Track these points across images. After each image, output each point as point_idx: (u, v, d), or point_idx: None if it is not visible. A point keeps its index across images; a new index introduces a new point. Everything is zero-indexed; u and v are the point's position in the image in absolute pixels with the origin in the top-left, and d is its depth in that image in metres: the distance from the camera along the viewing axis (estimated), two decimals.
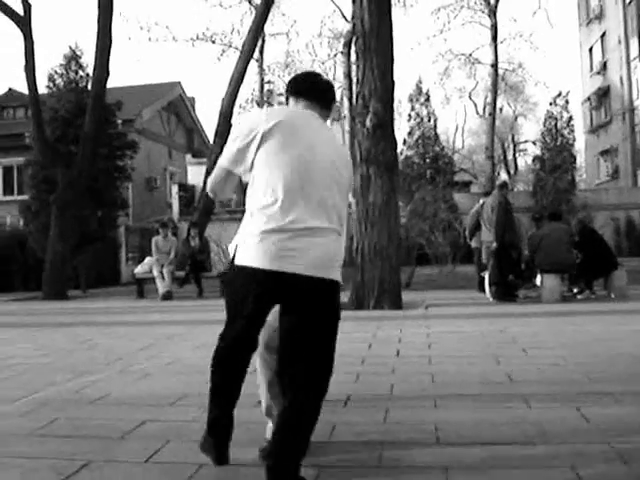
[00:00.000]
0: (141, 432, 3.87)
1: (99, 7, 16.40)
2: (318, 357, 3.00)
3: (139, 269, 15.09)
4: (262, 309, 3.09)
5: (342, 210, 3.14)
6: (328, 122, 3.49)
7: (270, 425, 3.51)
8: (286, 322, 3.05)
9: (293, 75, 3.58)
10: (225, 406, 3.37)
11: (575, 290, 12.17)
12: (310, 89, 3.32)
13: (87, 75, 21.14)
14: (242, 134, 3.09)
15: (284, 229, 2.93)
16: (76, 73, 21.94)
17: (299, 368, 2.98)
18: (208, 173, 18.76)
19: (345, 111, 26.98)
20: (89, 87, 18.97)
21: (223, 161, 3.18)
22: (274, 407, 3.43)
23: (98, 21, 16.41)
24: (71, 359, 6.68)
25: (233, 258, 3.13)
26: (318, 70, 33.81)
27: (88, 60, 21.42)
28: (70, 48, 22.16)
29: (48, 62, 51.75)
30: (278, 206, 2.95)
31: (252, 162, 3.07)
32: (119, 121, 22.76)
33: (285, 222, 2.93)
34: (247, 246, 3.02)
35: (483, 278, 12.23)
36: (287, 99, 3.37)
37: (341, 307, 3.15)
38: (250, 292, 3.01)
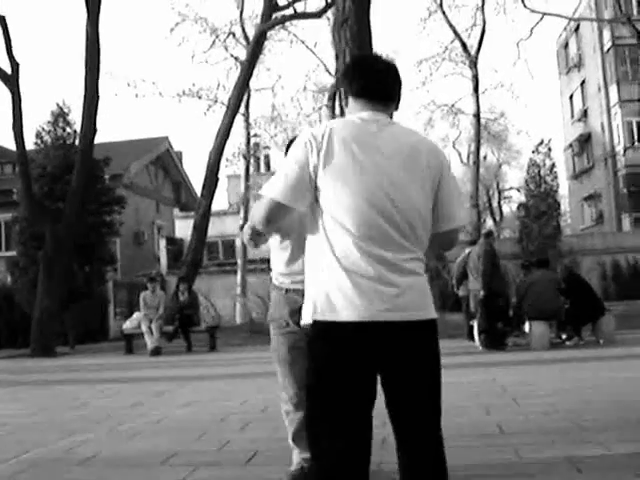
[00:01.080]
0: None
1: (86, 65, 16.62)
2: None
3: (127, 325, 15.03)
4: None
5: None
6: None
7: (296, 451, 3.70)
8: None
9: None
10: None
11: (563, 337, 12.20)
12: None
13: (74, 132, 21.31)
14: None
15: None
16: (63, 130, 22.10)
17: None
18: (196, 226, 18.85)
19: None
20: (77, 143, 19.11)
21: None
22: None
23: (85, 79, 16.63)
24: (60, 418, 6.62)
25: None
26: (303, 123, 34.19)
27: (75, 117, 21.64)
28: (57, 105, 22.35)
29: (36, 119, 52.13)
30: None
31: None
32: (107, 176, 22.86)
33: None
34: None
35: (472, 326, 12.26)
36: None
37: None
38: None
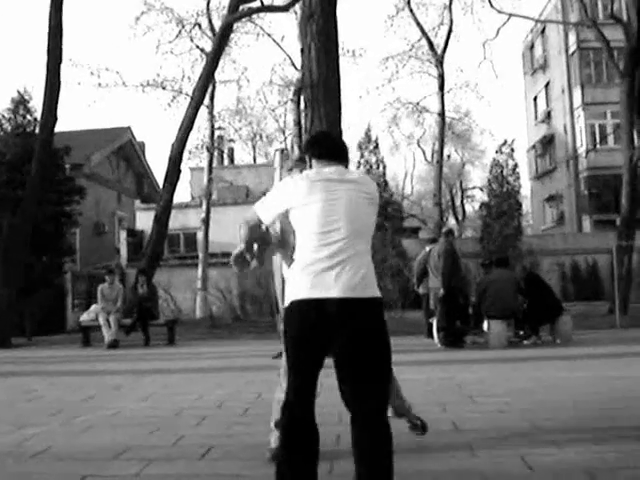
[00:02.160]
0: None
1: (48, 52, 16.36)
2: None
3: (85, 317, 14.84)
4: None
5: None
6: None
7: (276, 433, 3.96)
8: None
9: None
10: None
11: (521, 335, 12.32)
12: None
13: (35, 119, 20.93)
14: None
15: None
16: (24, 117, 21.71)
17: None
18: (157, 218, 18.69)
19: (295, 158, 27.20)
20: (37, 132, 18.81)
21: None
22: None
23: (47, 65, 16.35)
24: (13, 410, 6.52)
25: None
26: (269, 117, 34.04)
27: (36, 104, 21.28)
28: (18, 92, 21.96)
29: None
30: None
31: None
32: (67, 166, 22.54)
33: None
34: None
35: (431, 324, 12.33)
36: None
37: None
38: None
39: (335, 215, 3.26)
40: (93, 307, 14.84)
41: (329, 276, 3.14)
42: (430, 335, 12.41)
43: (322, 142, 3.68)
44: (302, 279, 3.19)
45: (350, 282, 3.14)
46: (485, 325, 11.87)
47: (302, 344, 3.19)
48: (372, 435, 3.10)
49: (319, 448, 3.16)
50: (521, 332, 12.33)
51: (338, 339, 3.13)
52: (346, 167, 3.54)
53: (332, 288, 3.12)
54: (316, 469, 3.14)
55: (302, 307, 3.15)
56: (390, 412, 4.32)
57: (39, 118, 17.58)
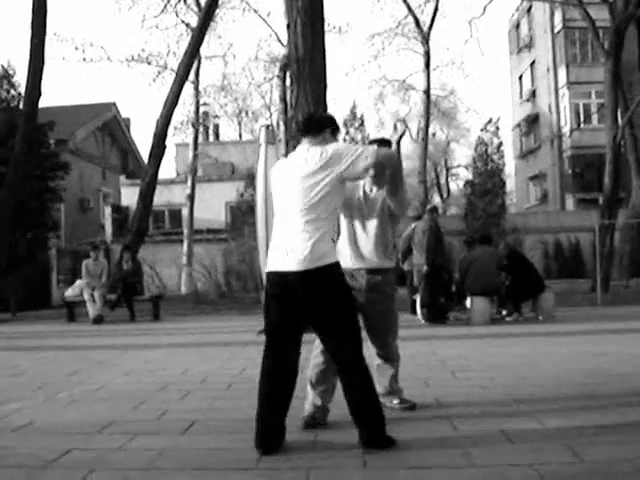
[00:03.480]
0: (66, 461, 3.79)
1: (32, 26, 16.18)
2: None
3: (69, 292, 14.81)
4: None
5: None
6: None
7: (310, 398, 4.45)
8: None
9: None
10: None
11: (504, 312, 12.41)
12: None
13: (19, 94, 20.73)
14: None
15: None
16: (7, 92, 21.49)
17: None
18: (142, 194, 18.61)
19: (281, 135, 27.18)
20: (21, 106, 18.64)
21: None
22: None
23: (31, 40, 16.19)
24: None
25: None
26: (254, 94, 33.84)
27: (20, 79, 21.07)
28: (2, 67, 21.72)
29: None
30: None
31: None
32: (52, 141, 22.38)
33: None
34: None
35: (415, 301, 12.39)
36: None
37: None
38: None
39: (286, 193, 4.00)
40: (78, 283, 14.80)
41: (283, 251, 3.86)
42: (414, 311, 12.48)
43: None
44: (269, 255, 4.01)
45: (300, 255, 3.78)
46: (468, 302, 11.95)
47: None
48: (351, 376, 3.88)
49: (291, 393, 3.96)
50: (504, 311, 12.42)
51: (305, 307, 3.87)
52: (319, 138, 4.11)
53: (287, 262, 3.83)
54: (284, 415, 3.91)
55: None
56: (381, 389, 4.74)
57: (23, 93, 17.42)
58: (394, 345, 4.90)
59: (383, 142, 4.63)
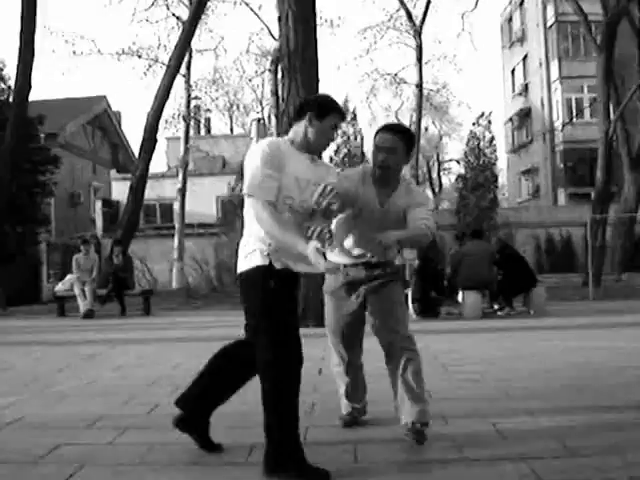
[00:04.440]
0: (56, 456, 3.76)
1: (22, 19, 16.09)
2: None
3: (60, 287, 14.75)
4: None
5: None
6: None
7: (344, 402, 4.31)
8: None
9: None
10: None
11: (495, 307, 12.43)
12: None
13: (9, 88, 20.65)
14: None
15: None
16: None
17: None
18: (133, 188, 18.54)
19: (272, 128, 27.15)
20: (10, 100, 18.56)
21: None
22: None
23: (21, 33, 16.10)
24: None
25: None
26: (246, 87, 33.78)
27: (10, 72, 20.97)
28: None
29: None
30: None
31: None
32: (42, 135, 22.30)
33: None
34: None
35: (407, 295, 12.39)
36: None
37: None
38: None
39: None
40: (68, 277, 14.75)
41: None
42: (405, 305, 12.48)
43: None
44: None
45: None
46: (460, 296, 11.96)
47: None
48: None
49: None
50: (496, 306, 12.43)
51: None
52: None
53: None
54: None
55: None
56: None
57: (13, 86, 17.34)
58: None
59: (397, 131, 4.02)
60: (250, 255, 3.52)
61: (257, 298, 3.50)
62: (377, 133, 3.98)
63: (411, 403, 3.84)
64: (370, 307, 4.16)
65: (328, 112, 3.64)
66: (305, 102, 3.79)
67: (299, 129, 3.63)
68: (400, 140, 3.90)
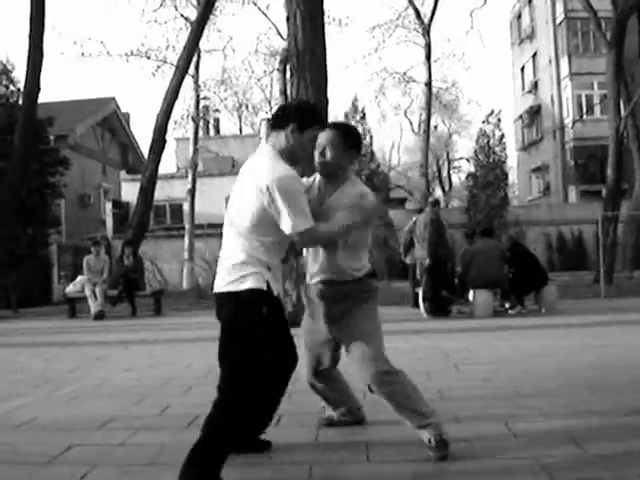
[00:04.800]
0: (68, 457, 3.78)
1: (31, 21, 16.14)
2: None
3: (70, 288, 14.79)
4: None
5: None
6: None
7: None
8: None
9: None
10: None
11: (507, 305, 12.39)
12: None
13: (18, 90, 20.74)
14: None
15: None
16: (7, 88, 21.52)
17: None
18: (142, 189, 18.57)
19: None
20: (20, 102, 18.62)
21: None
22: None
23: (29, 35, 16.15)
24: None
25: None
26: (254, 87, 33.78)
27: (19, 75, 21.07)
28: (1, 62, 21.72)
29: None
30: None
31: None
32: (51, 137, 22.37)
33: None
34: None
35: (418, 294, 12.37)
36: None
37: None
38: None
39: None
40: (79, 278, 14.79)
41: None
42: (416, 305, 12.46)
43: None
44: None
45: (220, 275, 3.51)
46: (471, 295, 11.92)
47: None
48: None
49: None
50: (507, 304, 12.40)
51: None
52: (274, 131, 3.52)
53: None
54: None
55: None
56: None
57: (22, 88, 17.40)
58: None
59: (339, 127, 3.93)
60: (246, 277, 3.35)
61: (252, 323, 3.37)
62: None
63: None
64: (340, 332, 3.89)
65: (311, 124, 3.49)
66: (287, 110, 3.59)
67: (280, 139, 3.47)
68: (338, 136, 3.78)
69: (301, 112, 3.53)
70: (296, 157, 3.50)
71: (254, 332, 3.35)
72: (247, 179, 3.46)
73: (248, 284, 3.33)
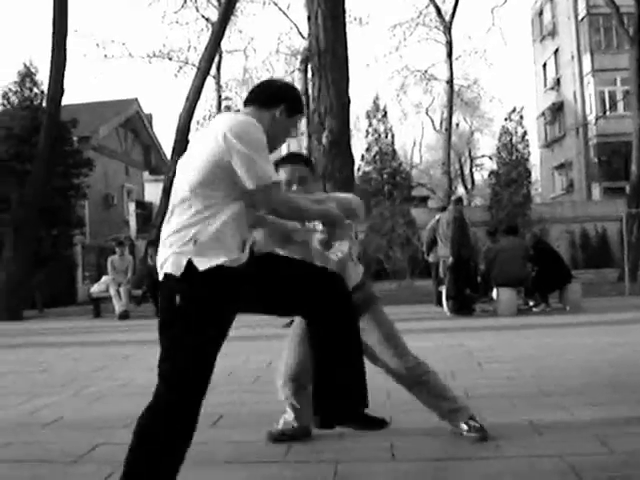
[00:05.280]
0: (94, 455, 3.82)
1: (54, 24, 16.28)
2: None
3: (95, 288, 14.93)
4: None
5: None
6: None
7: (286, 416, 3.96)
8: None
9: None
10: None
11: (531, 303, 12.33)
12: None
13: (42, 92, 20.91)
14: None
15: None
16: (30, 90, 21.69)
17: None
18: (166, 190, 18.66)
19: (302, 128, 27.20)
20: (44, 104, 18.79)
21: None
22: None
23: (53, 38, 16.29)
24: (25, 381, 6.58)
25: None
26: None
27: (43, 77, 21.24)
28: (25, 65, 21.92)
29: (2, 79, 51.12)
30: None
31: None
32: (75, 138, 22.54)
33: None
34: None
35: (441, 292, 12.34)
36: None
37: None
38: None
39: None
40: (104, 278, 14.92)
41: None
42: (439, 303, 12.44)
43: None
44: None
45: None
46: (494, 293, 11.88)
47: None
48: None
49: None
50: (531, 302, 12.34)
51: None
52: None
53: None
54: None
55: None
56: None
57: (46, 91, 17.56)
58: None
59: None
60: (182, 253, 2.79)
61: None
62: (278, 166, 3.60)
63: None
64: None
65: (300, 111, 3.20)
66: (280, 90, 3.17)
67: (263, 117, 2.99)
68: (307, 167, 3.70)
69: (294, 95, 3.19)
70: (275, 142, 3.05)
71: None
72: (194, 147, 3.02)
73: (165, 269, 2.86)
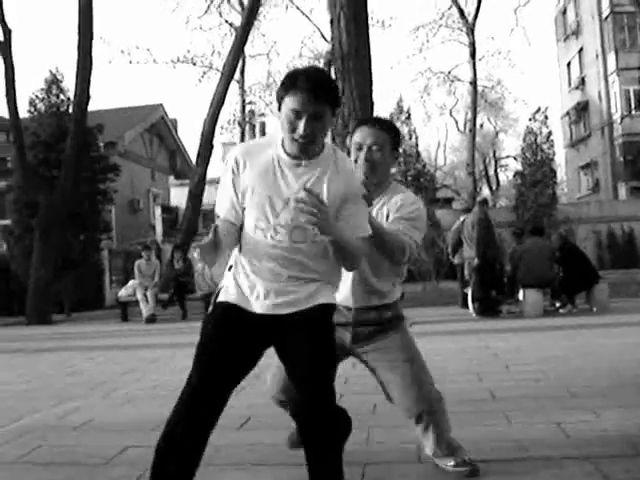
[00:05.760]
0: (125, 458, 3.86)
1: (79, 31, 16.45)
2: None
3: (122, 292, 15.06)
4: None
5: None
6: None
7: None
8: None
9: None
10: None
11: (557, 304, 12.26)
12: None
13: (68, 99, 21.10)
14: None
15: None
16: (57, 97, 21.88)
17: None
18: (191, 194, 18.80)
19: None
20: (70, 111, 18.98)
21: None
22: None
23: (78, 45, 16.46)
24: (54, 385, 6.66)
25: None
26: None
27: (69, 84, 21.43)
28: (51, 72, 22.12)
29: (29, 86, 51.66)
30: None
31: None
32: (101, 144, 22.73)
33: None
34: None
35: (466, 294, 12.31)
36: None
37: None
38: None
39: None
40: (131, 283, 15.05)
41: None
42: (465, 305, 12.40)
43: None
44: None
45: None
46: (520, 294, 11.83)
47: None
48: None
49: None
50: (557, 303, 12.27)
51: None
52: None
53: None
54: None
55: None
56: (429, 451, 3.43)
57: (72, 97, 17.74)
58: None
59: None
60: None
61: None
62: (356, 128, 3.37)
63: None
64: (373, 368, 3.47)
65: (287, 90, 2.63)
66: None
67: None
68: (387, 135, 3.30)
69: (287, 74, 2.70)
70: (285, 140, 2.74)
71: None
72: None
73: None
